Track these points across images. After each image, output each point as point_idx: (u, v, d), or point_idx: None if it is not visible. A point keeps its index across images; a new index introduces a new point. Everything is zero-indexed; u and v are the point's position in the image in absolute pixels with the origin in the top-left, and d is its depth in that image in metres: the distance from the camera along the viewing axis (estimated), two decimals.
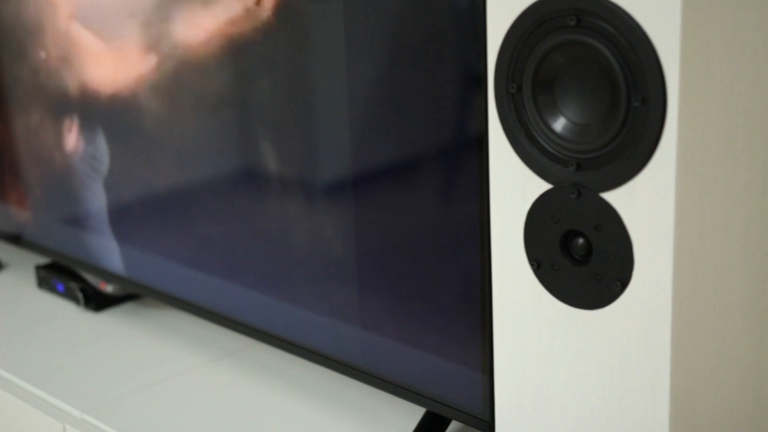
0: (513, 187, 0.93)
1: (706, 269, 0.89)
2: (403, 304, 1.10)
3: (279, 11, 1.14)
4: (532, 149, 0.90)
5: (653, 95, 0.82)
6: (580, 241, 0.90)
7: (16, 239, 1.63)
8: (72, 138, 1.47)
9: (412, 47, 1.03)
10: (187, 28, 1.24)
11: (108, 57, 1.38)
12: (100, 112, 1.42)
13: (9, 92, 1.57)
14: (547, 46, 0.87)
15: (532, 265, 0.93)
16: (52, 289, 1.56)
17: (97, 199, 1.46)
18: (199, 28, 1.22)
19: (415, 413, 1.17)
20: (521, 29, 0.88)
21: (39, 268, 1.58)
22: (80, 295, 1.50)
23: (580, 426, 0.95)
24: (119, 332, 1.44)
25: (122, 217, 1.43)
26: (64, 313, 1.50)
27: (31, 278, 1.63)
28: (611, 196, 0.86)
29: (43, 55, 1.48)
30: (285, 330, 1.23)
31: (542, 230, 0.92)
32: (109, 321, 1.47)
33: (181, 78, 1.28)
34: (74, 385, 1.30)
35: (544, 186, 0.91)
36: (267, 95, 1.20)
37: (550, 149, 0.89)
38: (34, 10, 1.47)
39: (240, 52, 1.20)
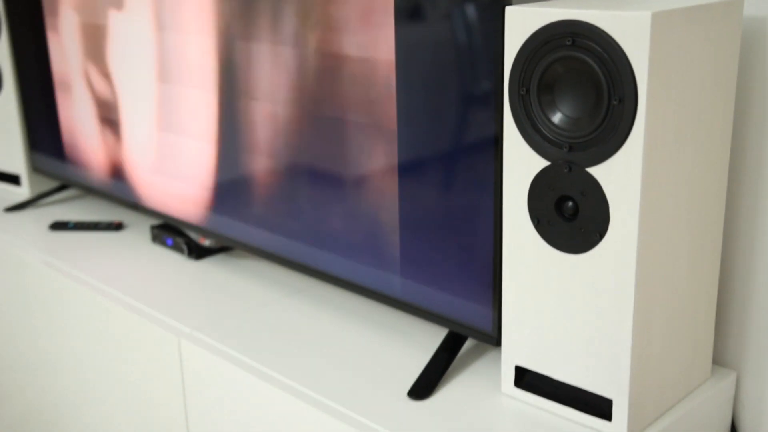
0: (520, 164, 0.96)
1: (661, 224, 0.92)
2: (434, 256, 1.11)
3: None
4: (535, 136, 0.93)
5: (628, 96, 0.85)
6: (570, 203, 0.93)
7: (134, 206, 1.63)
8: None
9: (449, 60, 1.04)
10: None
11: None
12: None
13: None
14: (550, 60, 0.90)
15: (533, 221, 0.96)
16: (163, 243, 1.57)
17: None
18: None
19: (439, 335, 1.19)
20: (530, 47, 0.91)
21: (153, 227, 1.59)
22: (185, 248, 1.51)
23: (564, 342, 0.97)
24: (215, 275, 1.44)
25: (217, 191, 1.43)
26: (173, 261, 1.51)
27: (146, 235, 1.64)
28: (594, 171, 0.89)
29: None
30: (341, 273, 1.24)
31: (541, 195, 0.95)
32: (207, 267, 1.48)
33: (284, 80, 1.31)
34: (184, 311, 1.31)
35: (543, 163, 0.93)
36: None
37: (549, 136, 0.92)
38: None
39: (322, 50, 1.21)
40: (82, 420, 1.56)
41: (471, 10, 1.00)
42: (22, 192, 1.91)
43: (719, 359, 1.14)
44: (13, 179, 1.92)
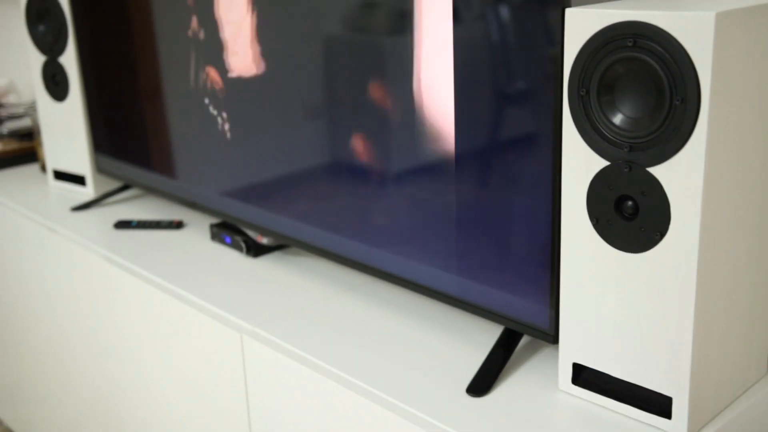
0: (579, 164, 0.93)
1: (722, 223, 0.89)
2: (491, 253, 1.08)
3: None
4: (594, 136, 0.90)
5: (690, 96, 0.82)
6: (629, 203, 0.90)
7: (193, 205, 1.63)
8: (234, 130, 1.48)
9: (512, 61, 1.01)
10: None
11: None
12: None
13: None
14: (610, 61, 0.86)
15: (592, 220, 0.93)
16: (222, 241, 1.55)
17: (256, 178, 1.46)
18: None
19: (495, 332, 1.16)
20: (590, 48, 0.88)
21: (212, 226, 1.57)
22: (243, 246, 1.49)
23: (623, 340, 0.94)
24: (273, 272, 1.43)
25: (274, 191, 1.42)
26: (232, 259, 1.49)
27: (205, 233, 1.63)
28: (655, 170, 0.86)
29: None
30: (398, 270, 1.21)
31: (601, 195, 0.91)
32: (265, 264, 1.46)
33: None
34: (245, 307, 1.30)
35: (603, 163, 0.90)
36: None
37: (609, 136, 0.89)
38: None
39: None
40: (144, 417, 1.55)
41: (531, 12, 0.97)
42: (88, 192, 1.91)
43: None
44: (79, 180, 1.92)
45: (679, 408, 0.92)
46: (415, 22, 1.09)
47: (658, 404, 0.94)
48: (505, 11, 1.00)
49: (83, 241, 1.63)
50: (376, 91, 1.17)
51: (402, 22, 1.11)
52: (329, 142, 1.28)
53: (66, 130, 1.89)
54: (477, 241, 1.09)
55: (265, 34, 1.34)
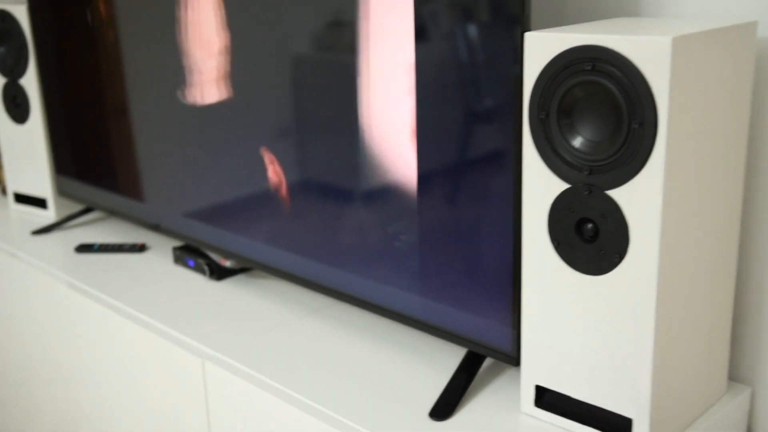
0: (540, 187, 0.91)
1: (680, 245, 0.87)
2: (454, 276, 1.06)
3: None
4: (555, 159, 0.88)
5: (648, 120, 0.81)
6: (590, 226, 0.88)
7: (156, 227, 1.59)
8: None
9: (474, 84, 0.99)
10: None
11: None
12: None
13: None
14: (570, 84, 0.85)
15: (553, 243, 0.91)
16: (185, 264, 1.51)
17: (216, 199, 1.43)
18: None
19: (458, 354, 1.14)
20: (550, 72, 0.86)
21: (175, 249, 1.54)
22: (206, 269, 1.46)
23: (584, 362, 0.92)
24: (236, 296, 1.39)
25: (237, 213, 1.39)
26: (195, 282, 1.46)
27: (169, 256, 1.59)
28: (614, 193, 0.85)
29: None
30: (360, 293, 1.19)
31: (561, 218, 0.90)
32: (228, 288, 1.43)
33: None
34: (207, 332, 1.26)
35: (563, 185, 0.89)
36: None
37: (569, 159, 0.87)
38: None
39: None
40: None
41: (491, 35, 0.95)
42: (49, 215, 1.85)
43: (734, 375, 1.09)
44: (41, 203, 1.87)
45: (639, 429, 0.90)
46: (376, 44, 1.07)
47: (620, 426, 0.92)
48: (467, 34, 0.98)
49: (43, 265, 1.58)
50: (338, 113, 1.15)
51: (362, 43, 1.09)
52: (291, 164, 1.25)
53: (27, 152, 1.84)
54: (440, 264, 1.07)
55: (228, 58, 1.31)
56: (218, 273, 1.46)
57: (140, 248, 1.63)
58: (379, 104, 1.08)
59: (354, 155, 1.14)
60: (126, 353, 1.36)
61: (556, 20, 1.15)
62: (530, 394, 0.98)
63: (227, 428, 1.18)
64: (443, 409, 1.01)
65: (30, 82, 1.78)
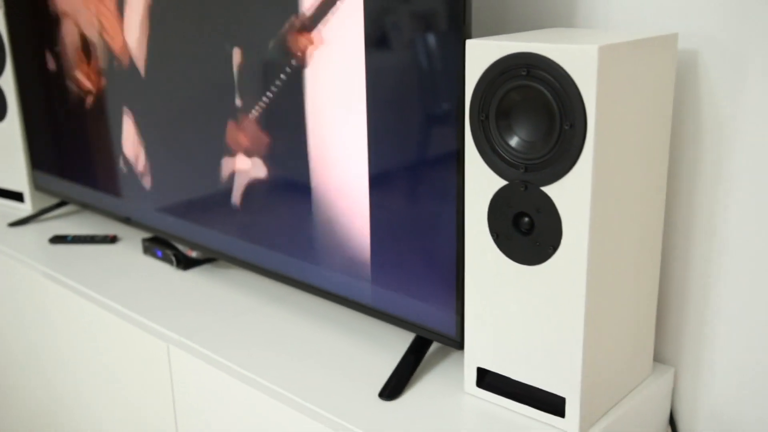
0: (481, 183, 0.94)
1: (609, 237, 0.90)
2: (403, 265, 1.09)
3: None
4: (494, 157, 0.91)
5: (578, 122, 0.84)
6: (526, 219, 0.91)
7: (127, 220, 1.60)
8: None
9: (420, 87, 1.02)
10: None
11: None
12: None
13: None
14: (507, 88, 0.88)
15: (492, 235, 0.94)
16: (153, 255, 1.53)
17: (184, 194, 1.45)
18: None
19: (407, 339, 1.18)
20: (489, 77, 0.89)
21: (144, 240, 1.55)
22: (173, 259, 1.48)
23: (522, 346, 0.96)
24: (201, 285, 1.41)
25: (203, 207, 1.40)
26: (163, 272, 1.48)
27: (138, 247, 1.61)
28: (548, 189, 0.88)
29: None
30: (317, 282, 1.21)
31: (500, 212, 0.93)
32: (194, 277, 1.45)
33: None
34: (172, 318, 1.28)
35: (502, 182, 0.92)
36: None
37: (507, 157, 0.90)
38: None
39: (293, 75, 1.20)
40: (75, 423, 1.51)
41: (435, 41, 0.98)
42: (26, 208, 1.86)
43: (659, 357, 1.13)
44: (17, 196, 1.87)
45: (571, 407, 0.94)
46: (329, 50, 1.10)
47: (554, 404, 0.96)
48: (414, 41, 1.01)
49: (20, 256, 1.59)
50: (293, 114, 1.17)
51: (318, 49, 1.11)
52: (250, 162, 1.27)
53: (4, 148, 1.84)
54: (390, 255, 1.10)
55: (187, 59, 1.33)
56: (185, 263, 1.48)
57: (112, 240, 1.65)
58: (331, 106, 1.11)
59: (308, 150, 1.16)
60: (97, 338, 1.38)
61: (498, 28, 1.18)
62: (473, 376, 1.02)
63: (191, 409, 1.20)
64: (392, 389, 1.04)
65: (7, 80, 1.78)
